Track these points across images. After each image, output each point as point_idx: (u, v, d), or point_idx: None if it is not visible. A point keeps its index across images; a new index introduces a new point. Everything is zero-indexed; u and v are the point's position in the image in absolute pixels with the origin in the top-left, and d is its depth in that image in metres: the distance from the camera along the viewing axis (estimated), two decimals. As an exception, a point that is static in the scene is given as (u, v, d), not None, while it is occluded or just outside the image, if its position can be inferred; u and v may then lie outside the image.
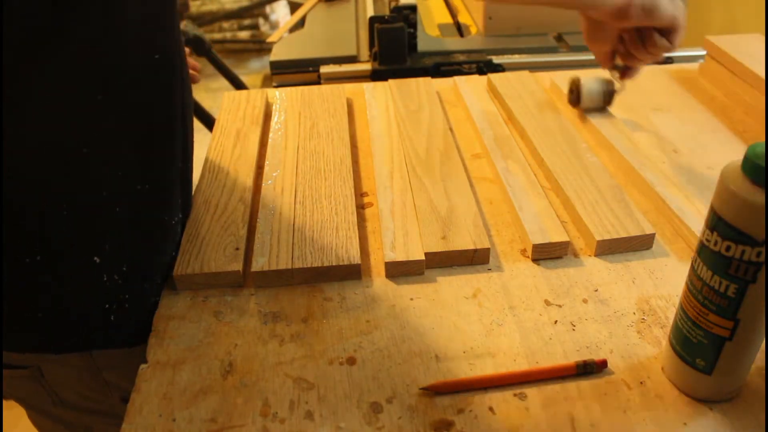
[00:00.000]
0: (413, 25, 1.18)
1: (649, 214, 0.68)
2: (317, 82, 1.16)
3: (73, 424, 0.67)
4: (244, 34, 3.62)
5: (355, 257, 0.60)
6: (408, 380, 0.51)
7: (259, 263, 0.60)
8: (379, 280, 0.61)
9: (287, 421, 0.48)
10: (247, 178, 0.73)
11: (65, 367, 0.60)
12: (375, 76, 1.15)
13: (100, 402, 0.64)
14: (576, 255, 0.63)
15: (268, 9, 3.62)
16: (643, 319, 0.56)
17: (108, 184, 0.54)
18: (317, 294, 0.59)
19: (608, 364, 0.51)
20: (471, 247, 0.61)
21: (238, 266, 0.60)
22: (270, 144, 0.80)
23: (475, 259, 0.62)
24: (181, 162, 0.61)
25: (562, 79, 0.95)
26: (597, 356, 0.52)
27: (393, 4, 1.30)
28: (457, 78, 0.98)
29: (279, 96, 0.92)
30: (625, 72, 0.79)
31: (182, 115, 0.60)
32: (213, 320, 0.57)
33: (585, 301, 0.58)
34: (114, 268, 0.56)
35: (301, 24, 1.45)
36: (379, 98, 0.90)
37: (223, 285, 0.60)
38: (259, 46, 3.56)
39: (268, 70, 1.28)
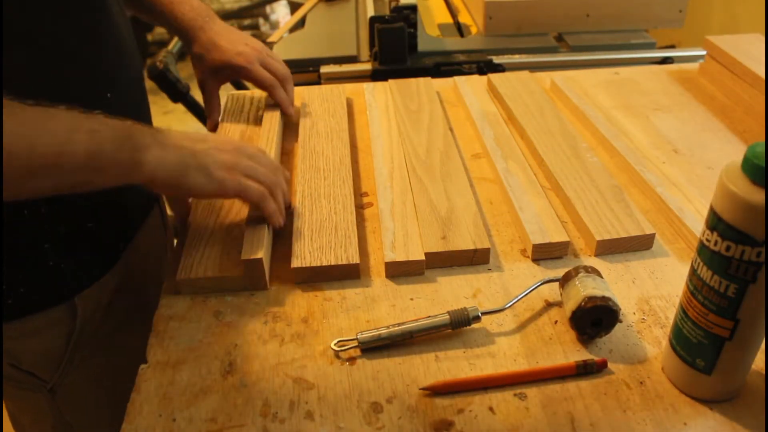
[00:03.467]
0: (413, 25, 1.18)
1: (649, 214, 0.68)
2: (317, 82, 1.16)
3: None
4: (244, 34, 3.62)
5: (354, 256, 0.60)
6: (408, 380, 0.51)
7: (259, 263, 0.60)
8: (379, 280, 0.61)
9: (287, 421, 0.48)
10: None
11: None
12: (375, 76, 1.14)
13: None
14: (576, 255, 0.63)
15: (268, 9, 3.62)
16: (643, 319, 0.56)
17: None
18: (317, 294, 0.59)
19: (608, 364, 0.51)
20: (471, 247, 0.61)
21: (241, 270, 0.59)
22: (270, 144, 0.80)
23: (475, 259, 0.62)
24: None
25: (562, 79, 0.95)
26: (597, 356, 0.52)
27: (393, 4, 1.29)
28: (457, 78, 0.98)
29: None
30: None
31: None
32: (213, 320, 0.57)
33: (585, 301, 0.58)
34: None
35: (301, 24, 1.45)
36: (379, 98, 0.90)
37: (227, 289, 0.60)
38: (260, 46, 3.56)
39: (268, 70, 1.28)
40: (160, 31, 3.39)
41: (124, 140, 0.52)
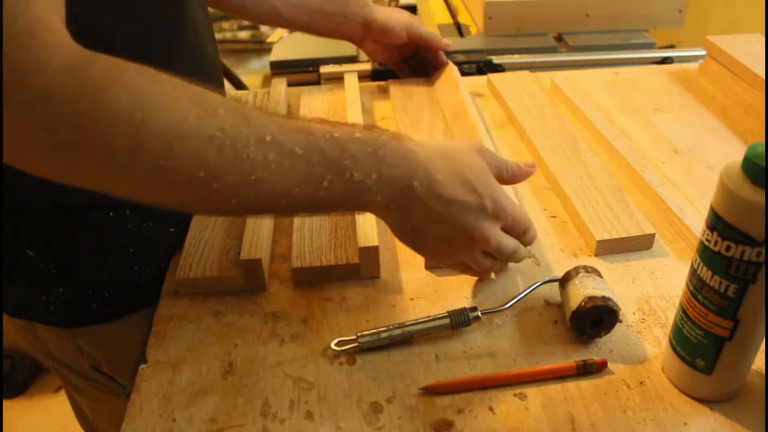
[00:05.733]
0: (413, 25, 1.18)
1: (649, 214, 0.68)
2: (317, 82, 1.16)
3: (63, 375, 0.73)
4: (244, 34, 3.61)
5: (354, 256, 0.60)
6: (408, 380, 0.51)
7: (259, 263, 0.60)
8: (379, 280, 0.61)
9: (287, 421, 0.48)
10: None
11: (49, 329, 0.65)
12: (375, 76, 1.14)
13: (77, 363, 0.68)
14: (576, 255, 0.63)
15: (268, 9, 3.61)
16: (643, 319, 0.56)
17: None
18: (317, 294, 0.59)
19: (608, 364, 0.51)
20: (471, 247, 0.61)
21: (240, 271, 0.59)
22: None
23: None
24: None
25: (562, 79, 0.95)
26: (597, 356, 0.52)
27: (393, 4, 1.29)
28: (457, 78, 0.98)
29: (279, 96, 0.92)
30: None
31: None
32: (213, 320, 0.57)
33: (585, 301, 0.57)
34: (46, 262, 0.59)
35: (301, 24, 1.44)
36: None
37: (226, 289, 0.60)
38: (259, 46, 3.55)
39: (268, 70, 1.28)
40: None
41: (354, 198, 0.47)
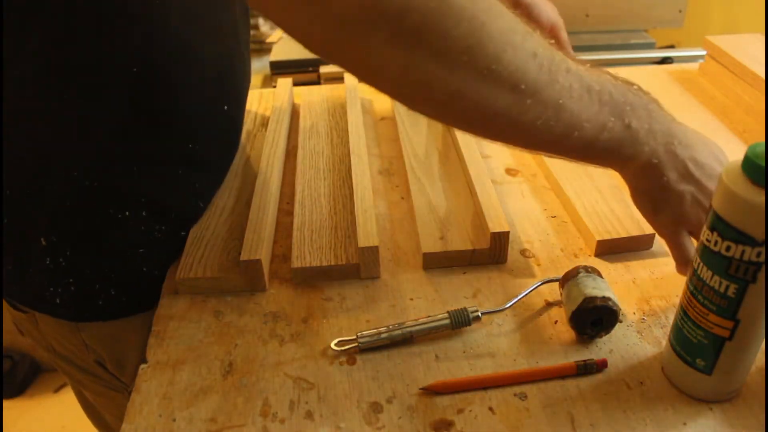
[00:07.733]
0: (413, 25, 1.18)
1: (649, 214, 0.68)
2: (317, 82, 1.16)
3: (65, 370, 0.72)
4: (244, 34, 3.61)
5: (354, 256, 0.60)
6: (408, 380, 0.51)
7: (259, 263, 0.60)
8: (379, 280, 0.61)
9: (287, 421, 0.48)
10: (254, 180, 0.72)
11: (53, 321, 0.65)
12: (375, 76, 1.14)
13: (80, 358, 0.68)
14: (576, 255, 0.63)
15: (268, 9, 3.61)
16: (643, 319, 0.56)
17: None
18: (317, 294, 0.59)
19: (608, 364, 0.51)
20: (469, 247, 0.61)
21: (240, 271, 0.59)
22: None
23: (474, 259, 0.62)
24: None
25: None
26: (597, 356, 0.52)
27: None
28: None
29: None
30: None
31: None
32: (213, 320, 0.57)
33: (585, 301, 0.57)
34: (58, 252, 0.59)
35: (301, 24, 1.44)
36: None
37: (226, 289, 0.60)
38: (259, 46, 3.55)
39: (268, 70, 1.28)
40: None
41: (626, 146, 0.50)
